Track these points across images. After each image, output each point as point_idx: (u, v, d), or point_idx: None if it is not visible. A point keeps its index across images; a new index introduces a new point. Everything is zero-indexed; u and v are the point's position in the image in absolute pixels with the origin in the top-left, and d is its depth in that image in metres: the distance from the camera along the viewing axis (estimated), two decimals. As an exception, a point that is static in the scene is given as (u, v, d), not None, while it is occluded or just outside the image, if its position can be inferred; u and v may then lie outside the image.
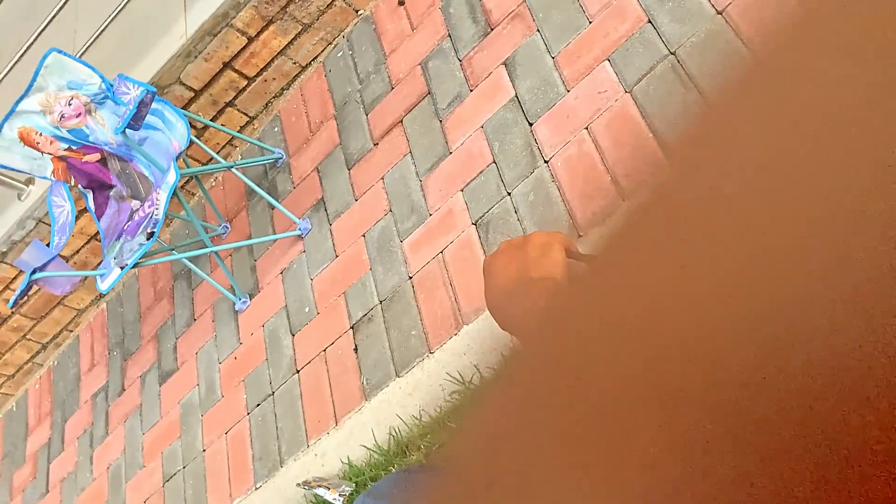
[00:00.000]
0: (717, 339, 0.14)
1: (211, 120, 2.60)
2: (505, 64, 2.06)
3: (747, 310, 0.14)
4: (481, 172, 1.99)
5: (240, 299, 2.42)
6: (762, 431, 0.14)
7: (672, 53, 1.73)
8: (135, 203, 2.31)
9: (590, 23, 1.92)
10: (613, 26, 1.86)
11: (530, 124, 1.93)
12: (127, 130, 2.04)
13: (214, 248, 2.30)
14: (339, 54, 2.54)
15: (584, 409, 0.16)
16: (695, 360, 0.14)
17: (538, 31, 2.02)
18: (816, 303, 0.13)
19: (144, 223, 2.20)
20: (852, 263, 0.13)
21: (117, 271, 2.16)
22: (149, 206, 2.21)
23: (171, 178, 2.13)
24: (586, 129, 1.82)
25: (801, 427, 0.13)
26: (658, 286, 0.16)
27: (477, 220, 1.94)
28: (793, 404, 0.13)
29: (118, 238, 2.28)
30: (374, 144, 2.30)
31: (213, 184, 2.77)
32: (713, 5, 1.71)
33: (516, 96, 1.99)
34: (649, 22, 1.80)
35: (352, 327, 2.08)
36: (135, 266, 2.16)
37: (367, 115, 2.36)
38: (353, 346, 2.05)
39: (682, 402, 0.14)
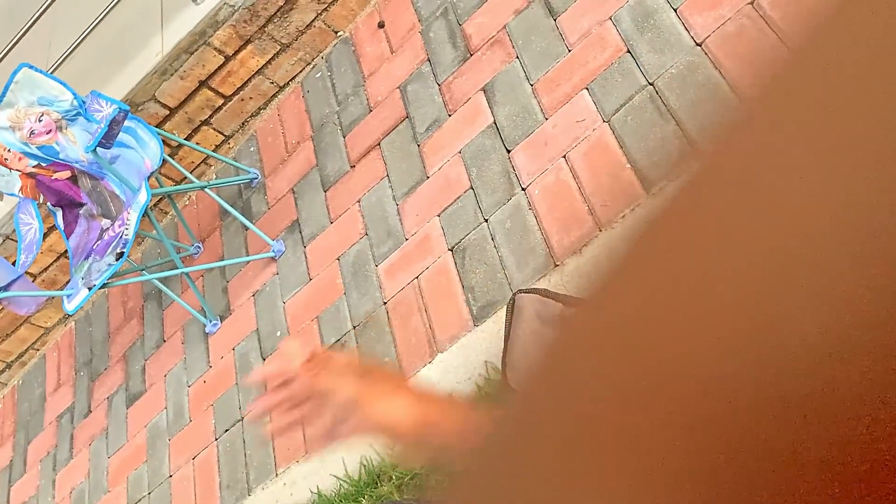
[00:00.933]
0: (714, 372, 0.14)
1: (186, 138, 2.56)
2: (484, 90, 2.05)
3: (740, 342, 0.14)
4: (458, 198, 1.97)
5: (210, 321, 2.38)
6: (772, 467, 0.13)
7: (651, 84, 1.73)
8: (105, 222, 2.27)
9: (569, 51, 1.91)
10: (593, 55, 1.86)
11: (508, 151, 1.92)
12: (98, 149, 2.00)
13: (185, 270, 2.26)
14: (317, 75, 2.52)
15: (576, 453, 0.16)
16: (695, 392, 0.14)
17: (518, 57, 2.01)
18: (810, 331, 0.13)
19: (114, 243, 2.16)
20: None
21: (85, 292, 2.11)
22: (119, 226, 2.17)
23: (143, 197, 2.09)
24: (564, 157, 1.81)
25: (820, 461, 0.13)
26: (647, 321, 0.15)
27: (453, 246, 1.92)
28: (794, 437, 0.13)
29: (87, 257, 2.23)
30: (351, 167, 2.28)
31: (187, 203, 2.73)
32: (692, 37, 1.71)
33: (495, 123, 1.98)
34: (628, 52, 1.80)
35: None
36: (103, 287, 2.12)
37: (344, 137, 2.34)
38: (325, 373, 2.01)
39: (684, 436, 0.14)
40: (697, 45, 1.69)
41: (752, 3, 1.65)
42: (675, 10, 1.76)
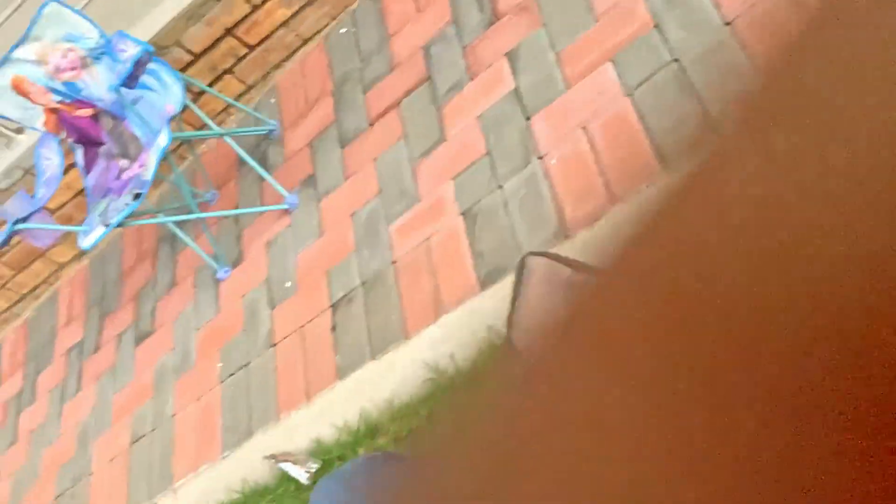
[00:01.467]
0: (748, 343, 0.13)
1: (208, 85, 2.57)
2: (507, 56, 2.04)
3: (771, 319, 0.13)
4: (474, 163, 1.98)
5: (222, 268, 2.41)
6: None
7: (676, 61, 1.72)
8: (124, 162, 2.29)
9: (596, 22, 1.90)
10: (620, 28, 1.85)
11: (527, 119, 1.93)
12: (122, 89, 2.02)
13: (201, 215, 2.29)
14: (342, 31, 2.52)
15: (582, 420, 0.16)
16: (709, 371, 0.14)
17: (544, 25, 2.00)
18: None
19: (132, 183, 2.19)
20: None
21: (101, 229, 2.14)
22: (138, 167, 2.19)
23: (163, 140, 2.11)
24: (583, 128, 1.81)
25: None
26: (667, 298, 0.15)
27: (465, 211, 1.93)
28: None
29: (104, 196, 2.26)
30: (370, 125, 2.28)
31: (205, 149, 2.75)
32: (721, 16, 1.70)
33: (516, 89, 1.98)
34: (656, 27, 1.79)
35: (331, 306, 2.08)
36: (119, 226, 2.15)
37: (364, 94, 2.35)
38: (332, 326, 2.04)
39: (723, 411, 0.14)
40: (726, 24, 1.68)
41: (783, -15, 1.63)
42: (706, -12, 1.75)
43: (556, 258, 0.94)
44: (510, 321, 0.96)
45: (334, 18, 2.54)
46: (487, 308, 1.79)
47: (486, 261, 1.84)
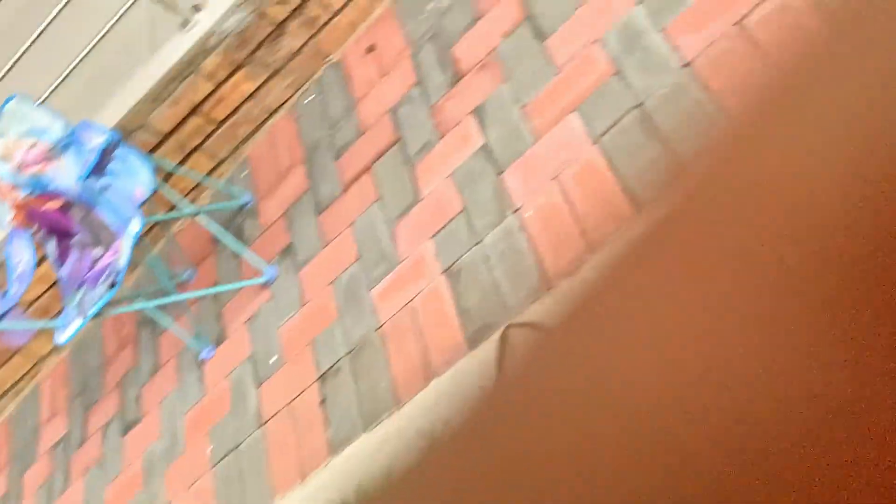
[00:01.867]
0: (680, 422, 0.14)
1: (178, 164, 2.56)
2: (474, 112, 2.05)
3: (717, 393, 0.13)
4: (451, 220, 1.97)
5: (205, 348, 2.37)
6: None
7: (639, 105, 1.73)
8: (97, 251, 2.26)
9: (558, 73, 1.92)
10: (581, 77, 1.87)
11: (500, 173, 1.93)
12: (90, 178, 2.00)
13: (179, 297, 2.25)
14: (308, 99, 2.53)
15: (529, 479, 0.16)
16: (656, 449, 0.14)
17: (507, 80, 2.02)
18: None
19: (107, 272, 2.16)
20: None
21: (78, 322, 2.10)
22: (111, 255, 2.17)
23: (135, 226, 2.09)
24: (555, 178, 1.81)
25: None
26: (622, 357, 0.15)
27: (447, 269, 1.92)
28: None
29: (80, 287, 2.22)
30: (344, 190, 2.28)
31: (180, 229, 2.73)
32: (680, 58, 1.72)
33: (486, 145, 1.99)
34: (616, 74, 1.81)
35: (319, 378, 2.04)
36: (97, 316, 2.11)
37: (336, 160, 2.35)
38: (321, 399, 2.01)
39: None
40: (685, 66, 1.70)
41: (738, 23, 1.66)
42: (662, 32, 1.77)
43: (537, 327, 0.93)
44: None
45: (300, 88, 2.55)
46: (477, 367, 1.77)
47: (472, 318, 1.82)
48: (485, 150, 1.98)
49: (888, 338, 0.12)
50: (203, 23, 2.37)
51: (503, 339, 0.93)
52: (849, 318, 0.13)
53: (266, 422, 2.12)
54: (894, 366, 0.12)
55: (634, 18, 1.83)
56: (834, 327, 0.13)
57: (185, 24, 2.39)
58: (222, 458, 2.18)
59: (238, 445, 2.16)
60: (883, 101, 0.14)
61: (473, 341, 1.79)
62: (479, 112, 2.04)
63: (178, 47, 2.40)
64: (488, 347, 1.77)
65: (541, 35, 2.00)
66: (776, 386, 0.13)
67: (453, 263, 1.91)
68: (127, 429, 2.52)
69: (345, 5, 2.41)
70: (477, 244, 1.89)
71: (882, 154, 0.13)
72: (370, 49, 2.41)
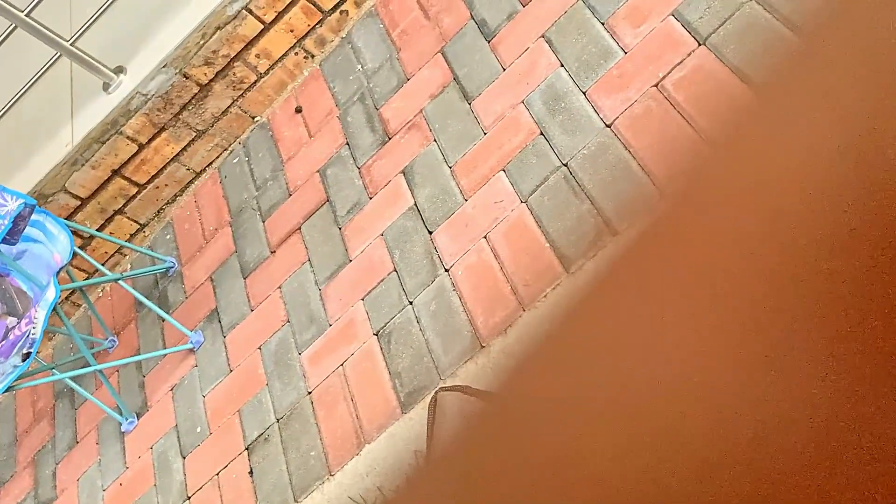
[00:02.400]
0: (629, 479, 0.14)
1: (99, 229, 2.48)
2: (403, 172, 2.06)
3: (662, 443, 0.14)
4: (382, 281, 1.95)
5: (126, 419, 2.26)
6: None
7: (564, 165, 1.76)
8: (11, 320, 2.15)
9: (485, 134, 1.95)
10: (507, 137, 1.90)
11: (430, 232, 1.92)
12: (2, 245, 1.92)
13: (98, 367, 2.16)
14: (234, 160, 2.49)
15: None
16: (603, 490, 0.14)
17: (435, 140, 2.03)
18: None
19: (21, 342, 2.05)
20: None
21: (-13, 396, 1.98)
22: (26, 324, 2.07)
23: (51, 294, 2.00)
24: (485, 237, 1.82)
25: None
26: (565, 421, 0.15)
27: (378, 331, 1.89)
28: None
29: (-10, 358, 2.11)
30: (272, 252, 2.24)
31: (101, 294, 2.63)
32: (602, 118, 1.76)
33: (416, 205, 1.99)
34: (542, 134, 1.84)
35: (247, 448, 1.97)
36: (8, 390, 2.00)
37: (263, 222, 2.31)
38: (249, 470, 1.93)
39: None
40: (607, 126, 1.75)
41: (656, 85, 1.72)
42: (584, 93, 1.82)
43: (467, 391, 0.91)
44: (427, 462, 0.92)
45: (225, 149, 2.52)
46: (411, 432, 1.73)
47: (404, 381, 1.79)
48: (414, 209, 1.98)
49: (866, 354, 0.13)
50: (126, 84, 2.33)
51: (433, 403, 0.91)
52: (823, 333, 0.13)
53: (192, 496, 2.02)
54: (875, 379, 0.13)
55: (557, 81, 1.88)
56: (809, 342, 0.13)
57: (107, 85, 2.34)
58: (144, 537, 2.07)
59: (161, 522, 2.05)
60: (807, 151, 0.14)
61: (406, 405, 1.75)
62: (408, 172, 2.05)
63: (100, 109, 2.35)
64: (420, 411, 1.74)
65: (467, 96, 2.03)
66: (756, 410, 0.13)
67: (384, 325, 1.88)
68: (41, 509, 2.37)
69: (272, 66, 2.41)
70: (408, 305, 1.87)
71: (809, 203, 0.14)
72: (298, 110, 2.40)
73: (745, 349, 0.13)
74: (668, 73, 1.71)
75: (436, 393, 0.92)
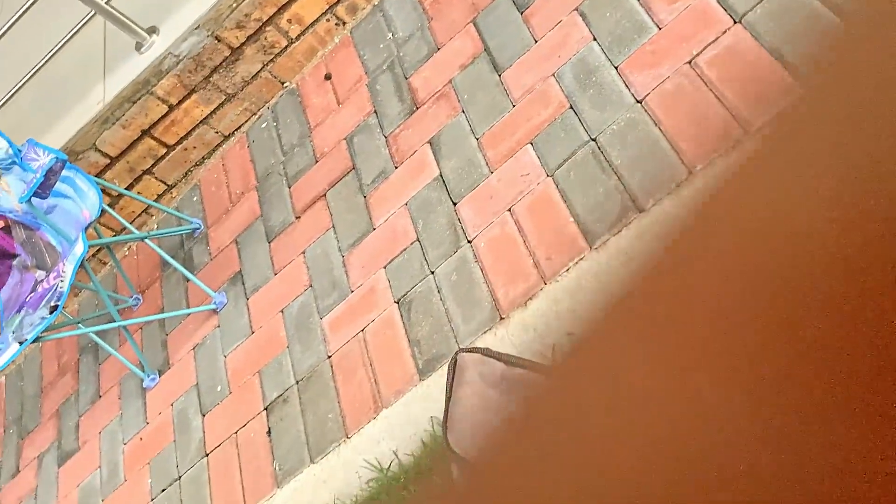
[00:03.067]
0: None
1: (127, 188, 2.51)
2: (430, 143, 2.06)
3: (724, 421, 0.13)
4: (405, 250, 1.96)
5: (148, 376, 2.30)
6: None
7: (593, 140, 1.75)
8: (39, 274, 2.19)
9: (513, 106, 1.94)
10: (536, 110, 1.89)
11: (454, 204, 1.93)
12: (33, 199, 1.95)
13: (123, 323, 2.19)
14: (263, 125, 2.51)
15: None
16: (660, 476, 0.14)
17: (463, 112, 2.03)
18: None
19: (49, 296, 2.09)
20: None
21: (15, 347, 2.03)
22: (54, 278, 2.10)
23: (79, 249, 2.03)
24: (509, 210, 1.82)
25: None
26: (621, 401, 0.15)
27: (399, 299, 1.90)
28: None
29: (19, 310, 2.15)
30: (296, 218, 2.25)
31: (126, 253, 2.67)
32: (633, 94, 1.75)
33: (441, 175, 1.99)
34: (571, 108, 1.83)
35: (265, 409, 1.99)
36: (35, 341, 2.04)
37: (289, 187, 2.32)
38: (267, 429, 1.96)
39: None
40: (638, 102, 1.73)
41: (689, 62, 1.70)
42: (616, 68, 1.80)
43: (488, 353, 0.92)
44: (445, 424, 0.92)
45: (254, 114, 2.53)
46: (428, 398, 1.75)
47: (423, 349, 1.80)
48: (440, 180, 1.98)
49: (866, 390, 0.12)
50: (158, 45, 2.34)
51: (453, 364, 0.91)
52: (826, 367, 0.13)
53: (210, 453, 2.06)
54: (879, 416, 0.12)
55: (589, 55, 1.86)
56: (813, 377, 0.13)
57: (139, 45, 2.36)
58: (163, 490, 2.11)
59: (180, 477, 2.09)
60: (848, 137, 0.14)
61: (424, 372, 1.77)
62: (434, 142, 2.05)
63: (131, 69, 2.37)
64: (437, 379, 1.75)
65: (497, 68, 2.02)
66: (761, 447, 0.13)
67: (405, 294, 1.89)
68: (64, 459, 2.43)
69: (303, 32, 2.41)
70: (430, 274, 1.88)
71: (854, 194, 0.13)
72: (327, 77, 2.41)
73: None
74: (702, 50, 1.69)
75: (456, 354, 0.93)
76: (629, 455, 0.14)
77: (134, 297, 2.51)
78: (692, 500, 0.13)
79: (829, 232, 0.13)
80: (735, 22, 1.67)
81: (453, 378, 0.92)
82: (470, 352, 0.93)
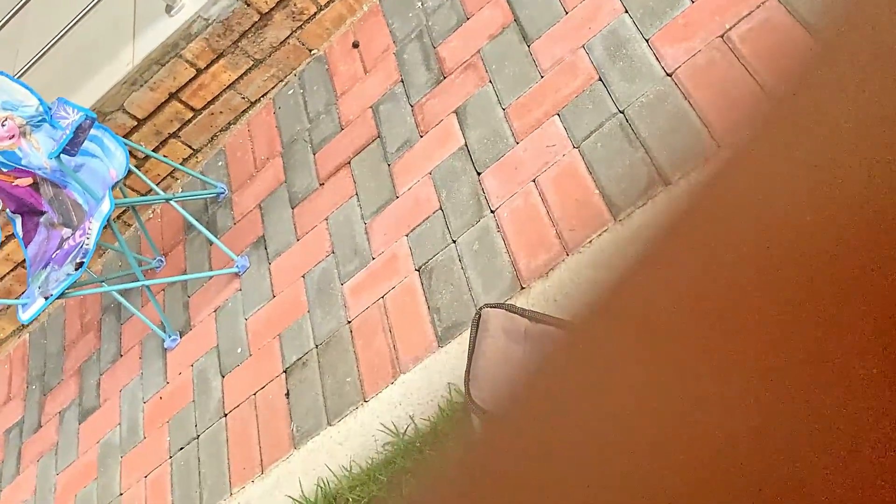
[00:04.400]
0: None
1: (153, 150, 2.53)
2: (456, 112, 2.05)
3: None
4: (427, 219, 1.96)
5: (170, 336, 2.33)
6: None
7: (621, 112, 1.74)
8: (66, 231, 2.22)
9: (541, 77, 1.93)
10: (565, 82, 1.88)
11: (478, 173, 1.92)
12: (62, 156, 1.97)
13: (146, 282, 2.22)
14: (289, 92, 2.51)
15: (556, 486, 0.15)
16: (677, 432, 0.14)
17: (490, 82, 2.02)
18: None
19: (74, 253, 2.11)
20: None
21: (41, 301, 2.06)
22: (80, 235, 2.13)
23: (105, 207, 2.05)
24: (533, 181, 1.81)
25: None
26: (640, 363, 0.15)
27: (420, 267, 1.91)
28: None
29: (45, 266, 2.18)
30: (320, 184, 2.26)
31: (151, 215, 2.69)
32: (663, 67, 1.73)
33: (466, 145, 1.99)
34: (600, 80, 1.82)
35: (285, 371, 2.01)
36: (61, 297, 2.07)
37: (314, 154, 2.33)
38: (285, 392, 1.98)
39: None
40: (668, 75, 1.72)
41: (721, 36, 1.68)
42: (647, 41, 1.79)
43: (512, 309, 0.92)
44: (468, 376, 0.93)
45: (281, 80, 2.54)
46: (446, 365, 1.75)
47: (442, 317, 1.81)
48: (465, 150, 1.98)
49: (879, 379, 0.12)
50: (188, 7, 2.35)
51: (477, 319, 0.91)
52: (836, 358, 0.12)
53: (228, 413, 2.08)
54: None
55: (620, 27, 1.85)
56: (825, 369, 0.13)
57: (169, 7, 2.37)
58: (181, 448, 2.14)
59: (199, 436, 2.12)
60: (871, 115, 0.13)
61: (443, 339, 1.78)
62: (460, 112, 2.04)
63: (161, 31, 2.38)
64: (456, 346, 1.76)
65: (527, 39, 2.00)
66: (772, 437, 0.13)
67: (427, 262, 1.90)
68: (85, 415, 2.47)
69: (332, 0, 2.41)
70: (451, 243, 1.88)
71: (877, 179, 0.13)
72: (355, 45, 2.40)
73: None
74: (735, 24, 1.67)
75: (480, 309, 0.93)
76: (647, 409, 0.14)
77: (157, 258, 2.54)
78: (708, 449, 0.13)
79: (861, 209, 0.13)
80: (770, -4, 1.65)
81: (477, 332, 0.92)
82: (495, 307, 0.94)
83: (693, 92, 1.65)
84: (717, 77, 1.64)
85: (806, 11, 1.59)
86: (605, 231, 1.66)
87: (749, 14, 1.66)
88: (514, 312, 0.79)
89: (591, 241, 1.67)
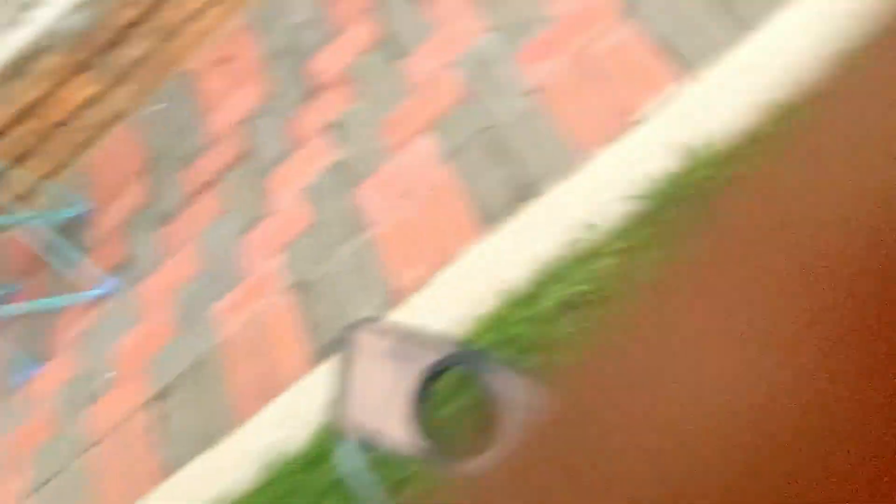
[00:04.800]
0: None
1: (9, 167, 2.38)
2: (329, 127, 2.04)
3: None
4: (302, 234, 1.94)
5: (31, 366, 2.19)
6: None
7: (489, 127, 1.78)
8: None
9: (412, 93, 1.95)
10: (435, 97, 1.90)
11: (353, 188, 1.92)
12: None
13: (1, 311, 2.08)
14: (155, 107, 2.43)
15: None
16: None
17: (363, 97, 2.02)
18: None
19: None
20: None
21: None
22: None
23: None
24: (407, 196, 1.83)
25: None
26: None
27: (296, 283, 1.88)
28: None
29: None
30: (189, 202, 2.19)
31: (8, 238, 2.53)
32: (527, 84, 1.79)
33: (340, 160, 1.98)
34: (468, 96, 1.85)
35: (155, 397, 1.93)
36: None
37: (182, 170, 2.26)
38: (155, 419, 1.90)
39: None
40: (532, 92, 1.77)
41: (579, 53, 1.75)
42: (513, 58, 1.84)
43: (378, 326, 0.92)
44: (337, 402, 0.92)
45: (147, 95, 2.45)
46: (324, 383, 1.73)
47: (320, 333, 1.79)
48: (339, 165, 1.97)
49: None
50: (41, 19, 2.23)
51: (343, 342, 0.91)
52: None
53: (95, 444, 1.98)
54: None
55: (487, 44, 1.89)
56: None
57: (22, 19, 2.24)
58: (45, 483, 2.02)
59: (64, 469, 2.00)
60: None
61: (321, 356, 1.76)
62: (333, 127, 2.03)
63: (15, 42, 2.25)
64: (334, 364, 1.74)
65: (397, 54, 2.02)
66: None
67: (303, 278, 1.88)
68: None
69: (198, 13, 2.34)
70: (327, 259, 1.87)
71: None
72: (223, 60, 2.35)
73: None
74: (591, 43, 1.75)
75: (345, 331, 0.93)
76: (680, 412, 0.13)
77: (13, 284, 2.39)
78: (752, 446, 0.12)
79: None
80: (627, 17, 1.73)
81: (345, 355, 0.92)
82: (359, 327, 0.94)
83: (555, 108, 1.71)
84: (580, 94, 1.71)
85: (661, 29, 1.68)
86: (477, 243, 1.69)
87: (607, 31, 1.74)
88: (380, 329, 0.79)
89: (465, 254, 1.69)
